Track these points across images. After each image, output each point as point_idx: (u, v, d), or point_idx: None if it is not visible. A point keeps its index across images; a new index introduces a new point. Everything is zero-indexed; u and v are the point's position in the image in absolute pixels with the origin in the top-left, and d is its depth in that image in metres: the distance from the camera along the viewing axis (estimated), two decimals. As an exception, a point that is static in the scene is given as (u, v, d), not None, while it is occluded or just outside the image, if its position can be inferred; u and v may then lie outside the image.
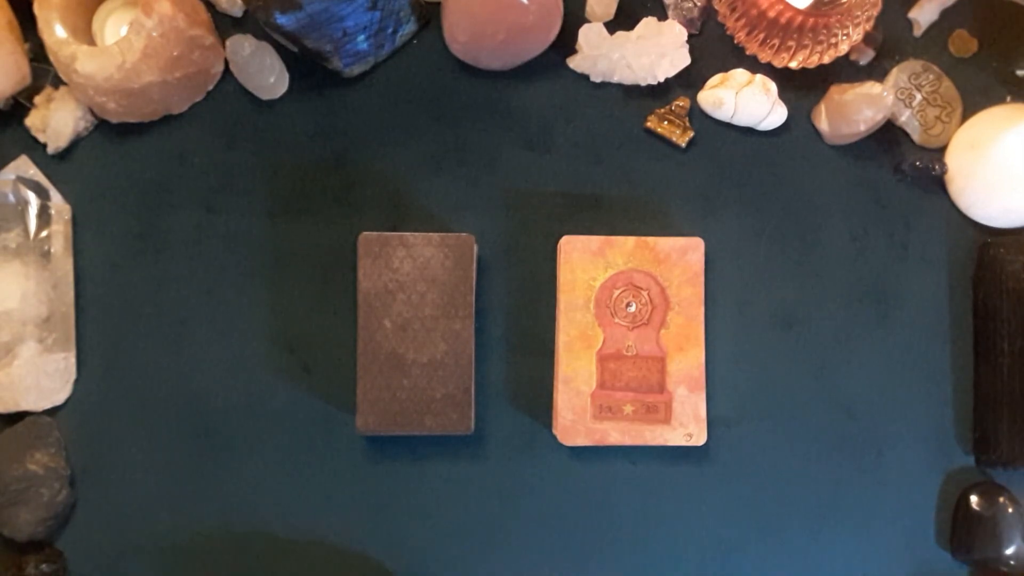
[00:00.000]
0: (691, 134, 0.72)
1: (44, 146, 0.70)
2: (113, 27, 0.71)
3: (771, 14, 0.67)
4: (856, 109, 0.69)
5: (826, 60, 0.70)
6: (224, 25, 0.72)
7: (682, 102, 0.72)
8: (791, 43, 0.69)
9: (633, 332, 0.68)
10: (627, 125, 0.73)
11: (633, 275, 0.69)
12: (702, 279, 0.69)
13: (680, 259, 0.69)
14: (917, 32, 0.74)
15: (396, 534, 0.69)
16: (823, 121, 0.72)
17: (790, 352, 0.72)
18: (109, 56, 0.65)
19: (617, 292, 0.69)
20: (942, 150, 0.73)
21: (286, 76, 0.72)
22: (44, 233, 0.69)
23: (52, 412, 0.69)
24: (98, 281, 0.70)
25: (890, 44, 0.74)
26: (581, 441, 0.68)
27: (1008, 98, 0.74)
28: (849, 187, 0.73)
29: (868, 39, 0.72)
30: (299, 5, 0.63)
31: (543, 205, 0.72)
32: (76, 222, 0.70)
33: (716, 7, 0.72)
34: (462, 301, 0.67)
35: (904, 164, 0.72)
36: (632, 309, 0.68)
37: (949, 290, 0.72)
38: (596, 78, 0.72)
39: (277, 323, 0.70)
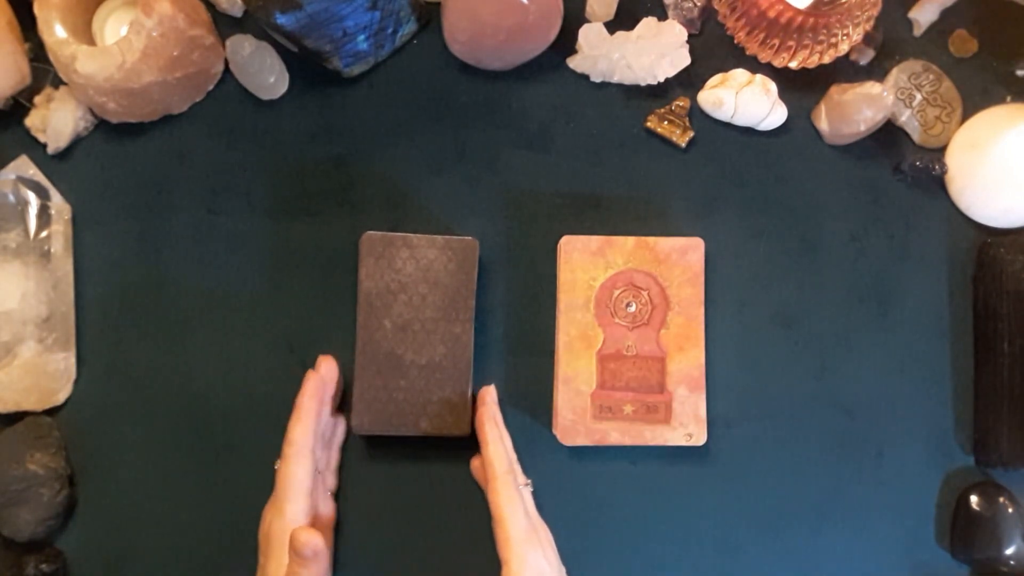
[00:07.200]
0: (691, 134, 0.72)
1: (44, 146, 0.70)
2: (113, 27, 0.71)
3: (771, 14, 0.67)
4: (856, 109, 0.69)
5: (826, 60, 0.70)
6: (224, 25, 0.72)
7: (682, 102, 0.72)
8: (791, 43, 0.69)
9: (633, 332, 0.68)
10: (627, 125, 0.73)
11: (633, 275, 0.68)
12: (702, 279, 0.69)
13: (680, 259, 0.69)
14: (917, 32, 0.74)
15: (395, 534, 0.69)
16: (823, 121, 0.72)
17: (790, 352, 0.72)
18: (109, 56, 0.65)
19: (617, 292, 0.68)
20: (942, 150, 0.73)
21: (286, 76, 0.72)
22: (44, 233, 0.69)
23: (52, 412, 0.69)
24: (98, 281, 0.70)
25: (890, 44, 0.74)
26: (581, 441, 0.68)
27: (1008, 98, 0.74)
28: (849, 187, 0.73)
29: (868, 39, 0.72)
30: (299, 5, 0.63)
31: (543, 205, 0.72)
32: (76, 222, 0.70)
33: (716, 7, 0.72)
34: (463, 304, 0.67)
35: (904, 164, 0.72)
36: (632, 309, 0.68)
37: (949, 290, 0.72)
38: (596, 78, 0.72)
39: (277, 323, 0.70)
